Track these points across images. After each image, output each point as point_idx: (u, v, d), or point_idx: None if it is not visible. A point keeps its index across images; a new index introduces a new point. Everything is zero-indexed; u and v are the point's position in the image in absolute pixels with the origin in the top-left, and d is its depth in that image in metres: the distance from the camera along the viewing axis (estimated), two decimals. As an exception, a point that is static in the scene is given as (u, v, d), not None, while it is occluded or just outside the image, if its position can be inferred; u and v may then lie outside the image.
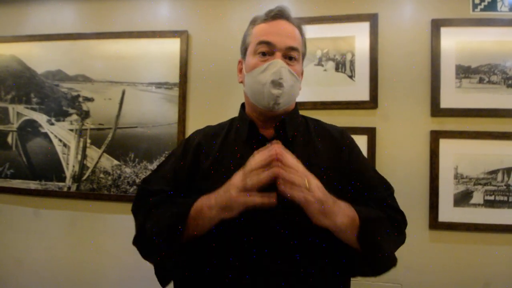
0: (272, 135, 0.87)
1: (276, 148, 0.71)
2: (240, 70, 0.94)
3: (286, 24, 0.88)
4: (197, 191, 0.80)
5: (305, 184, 0.69)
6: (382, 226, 0.81)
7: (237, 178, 0.72)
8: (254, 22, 0.91)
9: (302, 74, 0.94)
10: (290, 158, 0.72)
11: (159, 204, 0.83)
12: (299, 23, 0.91)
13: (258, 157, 0.72)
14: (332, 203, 0.72)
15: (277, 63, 0.82)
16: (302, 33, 0.91)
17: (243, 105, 0.96)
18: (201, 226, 0.76)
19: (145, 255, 0.84)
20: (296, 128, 0.89)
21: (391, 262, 0.80)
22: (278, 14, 0.87)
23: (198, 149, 0.89)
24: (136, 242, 0.85)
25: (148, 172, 1.40)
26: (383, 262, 0.79)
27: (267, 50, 0.84)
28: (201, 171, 0.85)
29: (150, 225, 0.80)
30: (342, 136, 0.92)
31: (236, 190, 0.71)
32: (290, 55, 0.85)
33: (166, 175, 0.89)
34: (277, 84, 0.82)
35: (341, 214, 0.73)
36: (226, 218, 0.73)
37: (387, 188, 0.92)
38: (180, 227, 0.75)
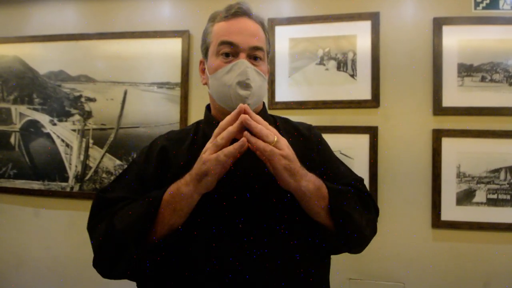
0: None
1: (242, 105, 0.69)
2: (203, 71, 0.90)
3: (248, 21, 0.82)
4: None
5: (273, 138, 0.67)
6: (352, 199, 0.79)
7: (207, 143, 0.69)
8: (213, 19, 0.85)
9: (268, 72, 0.91)
10: (258, 116, 0.69)
11: (123, 207, 0.76)
12: (262, 19, 0.87)
13: (226, 118, 0.69)
14: (299, 166, 0.70)
15: (243, 64, 0.79)
16: (265, 30, 0.87)
17: (208, 107, 0.92)
18: (179, 210, 0.70)
19: (110, 270, 0.75)
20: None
21: (365, 238, 0.80)
22: (239, 11, 0.82)
23: (163, 154, 0.84)
24: (100, 258, 0.77)
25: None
26: (356, 236, 0.77)
27: (230, 50, 0.80)
28: (170, 177, 0.77)
29: (113, 229, 0.72)
30: (310, 132, 0.91)
31: (208, 152, 0.67)
32: (255, 55, 0.81)
33: (129, 183, 0.82)
34: (244, 85, 0.78)
35: (307, 179, 0.71)
36: (205, 193, 0.70)
37: (357, 179, 0.90)
38: (151, 217, 0.70)
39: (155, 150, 0.85)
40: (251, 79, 0.78)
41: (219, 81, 0.81)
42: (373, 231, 0.85)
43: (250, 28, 0.82)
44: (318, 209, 0.74)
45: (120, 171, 1.85)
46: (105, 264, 0.76)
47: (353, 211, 0.76)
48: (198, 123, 0.93)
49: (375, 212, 0.88)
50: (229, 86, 0.79)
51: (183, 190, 0.70)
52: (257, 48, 0.81)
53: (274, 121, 0.92)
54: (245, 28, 0.81)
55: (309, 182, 0.71)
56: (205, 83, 0.88)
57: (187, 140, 0.87)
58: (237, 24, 0.82)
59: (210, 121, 0.86)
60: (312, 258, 0.80)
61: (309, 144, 0.88)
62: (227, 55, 0.81)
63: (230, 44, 0.80)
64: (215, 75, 0.82)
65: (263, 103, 0.93)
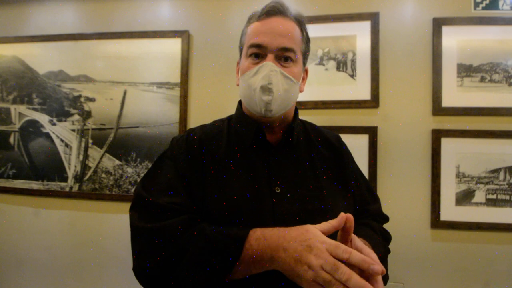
0: (278, 141, 0.83)
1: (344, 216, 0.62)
2: (238, 72, 0.88)
3: (282, 20, 0.79)
4: (209, 203, 0.74)
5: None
6: (386, 253, 0.81)
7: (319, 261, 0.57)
8: (250, 20, 0.84)
9: (306, 73, 0.88)
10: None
11: (184, 229, 0.68)
12: (299, 17, 0.82)
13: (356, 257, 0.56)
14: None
15: (267, 67, 0.76)
16: (302, 29, 0.83)
17: (240, 103, 0.89)
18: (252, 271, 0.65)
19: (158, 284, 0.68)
20: (299, 135, 0.86)
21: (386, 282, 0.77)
22: (272, 11, 0.79)
23: (201, 148, 0.80)
24: (149, 269, 0.68)
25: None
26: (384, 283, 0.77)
27: (259, 52, 0.78)
28: (207, 177, 0.76)
29: (179, 256, 0.66)
30: (339, 142, 0.92)
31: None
32: (285, 55, 0.78)
33: (169, 181, 0.76)
34: (266, 89, 0.75)
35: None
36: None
37: (376, 197, 0.94)
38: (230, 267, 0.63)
39: (194, 143, 0.81)
40: (273, 83, 0.76)
41: (246, 83, 0.80)
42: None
43: (281, 28, 0.78)
44: None
45: (120, 171, 1.87)
46: (161, 282, 0.69)
47: (386, 261, 0.78)
48: (229, 120, 0.89)
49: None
50: (254, 89, 0.77)
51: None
52: (286, 49, 0.77)
53: (304, 129, 0.90)
54: (275, 28, 0.78)
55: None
56: (238, 84, 0.86)
57: (223, 138, 0.83)
58: (268, 24, 0.79)
59: (247, 122, 0.83)
60: None
61: (341, 158, 0.87)
62: (256, 56, 0.79)
63: (258, 45, 0.78)
64: (244, 77, 0.80)
65: (296, 108, 0.89)
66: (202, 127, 0.88)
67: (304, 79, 0.88)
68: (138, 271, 0.71)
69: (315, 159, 0.83)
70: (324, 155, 0.85)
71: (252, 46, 0.78)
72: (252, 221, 0.71)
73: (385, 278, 0.74)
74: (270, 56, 0.77)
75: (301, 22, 0.83)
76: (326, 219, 0.69)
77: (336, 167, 0.82)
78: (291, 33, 0.79)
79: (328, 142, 0.89)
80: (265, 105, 0.76)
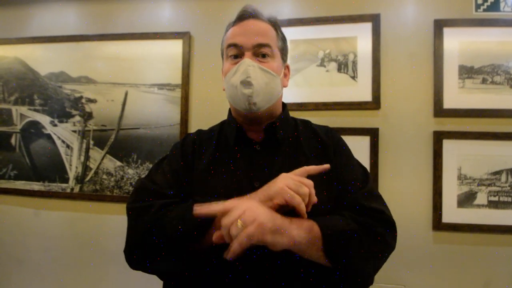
0: (262, 139, 0.86)
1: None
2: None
3: (255, 22, 0.85)
4: (190, 194, 0.80)
5: (238, 224, 0.64)
6: (352, 239, 0.72)
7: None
8: (227, 28, 0.90)
9: (288, 69, 0.92)
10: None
11: (168, 206, 0.76)
12: (271, 18, 0.88)
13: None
14: (281, 221, 0.68)
15: (244, 63, 0.81)
16: (276, 28, 0.88)
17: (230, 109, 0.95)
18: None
19: (145, 264, 0.76)
20: (287, 131, 0.88)
21: (366, 276, 0.75)
22: (244, 14, 0.85)
23: (195, 147, 0.88)
24: (137, 251, 0.76)
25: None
26: (357, 279, 0.74)
27: (237, 52, 0.83)
28: (196, 173, 0.83)
29: (163, 232, 0.72)
30: (327, 135, 0.90)
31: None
32: (261, 52, 0.83)
33: (166, 175, 0.84)
34: (245, 83, 0.80)
35: (295, 227, 0.68)
36: None
37: (362, 186, 0.83)
38: (202, 231, 0.70)
39: (189, 144, 0.89)
40: (252, 76, 0.80)
41: (229, 83, 0.84)
42: (377, 265, 0.78)
43: (255, 27, 0.84)
44: (315, 252, 0.71)
45: (121, 172, 1.87)
46: (141, 258, 0.76)
47: (350, 251, 0.71)
48: (223, 123, 0.95)
49: (388, 226, 0.80)
50: (236, 86, 0.82)
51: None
52: (261, 45, 0.83)
53: (295, 124, 0.92)
54: (249, 29, 0.84)
55: (299, 229, 0.69)
56: (224, 89, 0.90)
57: (210, 140, 0.90)
58: (243, 25, 0.85)
59: (230, 123, 0.89)
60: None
61: (326, 150, 0.87)
62: (235, 57, 0.84)
63: (234, 45, 0.83)
64: (226, 78, 0.86)
65: (285, 105, 0.93)
66: (199, 131, 0.96)
67: (286, 75, 0.93)
68: (125, 251, 0.79)
69: (300, 154, 0.85)
70: (312, 150, 0.86)
71: (229, 46, 0.84)
72: None
73: (367, 279, 0.74)
74: (248, 54, 0.82)
75: (274, 23, 0.88)
76: (311, 215, 0.72)
77: (323, 162, 0.79)
78: (265, 30, 0.85)
79: (317, 136, 0.89)
80: (248, 98, 0.81)
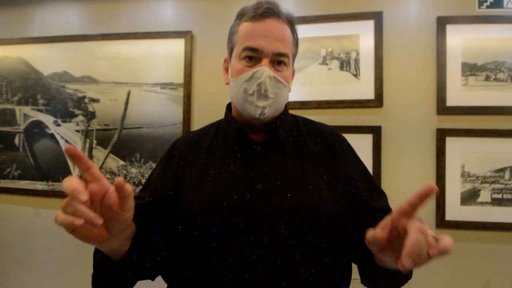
0: (263, 139, 0.83)
1: None
2: (226, 70, 0.88)
3: (276, 23, 0.78)
4: (184, 201, 0.77)
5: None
6: None
7: None
8: (241, 16, 0.81)
9: (293, 74, 0.89)
10: None
11: None
12: (291, 19, 0.82)
13: None
14: None
15: (263, 72, 0.76)
16: (294, 31, 0.82)
17: (229, 106, 0.90)
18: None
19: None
20: (288, 130, 0.85)
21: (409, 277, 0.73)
22: (267, 12, 0.77)
23: (181, 160, 0.84)
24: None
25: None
26: (406, 278, 0.72)
27: (253, 55, 0.77)
28: (188, 180, 0.79)
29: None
30: (335, 138, 0.87)
31: None
32: (279, 60, 0.78)
33: (149, 189, 0.85)
34: (262, 96, 0.76)
35: None
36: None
37: (382, 192, 0.86)
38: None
39: (176, 156, 0.86)
40: (269, 90, 0.76)
41: (239, 86, 0.79)
42: None
43: (276, 31, 0.78)
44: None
45: (124, 172, 1.88)
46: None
47: None
48: (219, 122, 0.91)
49: None
50: (248, 94, 0.78)
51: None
52: (281, 54, 0.78)
53: (296, 121, 0.89)
54: (271, 31, 0.77)
55: None
56: (227, 83, 0.86)
57: (207, 140, 0.86)
58: (263, 26, 0.77)
59: (230, 123, 0.85)
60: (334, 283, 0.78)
61: (335, 149, 0.84)
62: (250, 58, 0.78)
63: (254, 49, 0.77)
64: (237, 80, 0.80)
65: (285, 105, 0.90)
66: (190, 135, 0.93)
67: (291, 79, 0.90)
68: None
69: (303, 153, 0.82)
70: (314, 149, 0.83)
71: (247, 49, 0.77)
72: (228, 218, 0.73)
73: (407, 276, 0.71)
74: (265, 61, 0.77)
75: (292, 23, 0.82)
76: (311, 215, 0.72)
77: (326, 162, 0.79)
78: (286, 37, 0.79)
79: (321, 136, 0.87)
80: (261, 109, 0.77)
